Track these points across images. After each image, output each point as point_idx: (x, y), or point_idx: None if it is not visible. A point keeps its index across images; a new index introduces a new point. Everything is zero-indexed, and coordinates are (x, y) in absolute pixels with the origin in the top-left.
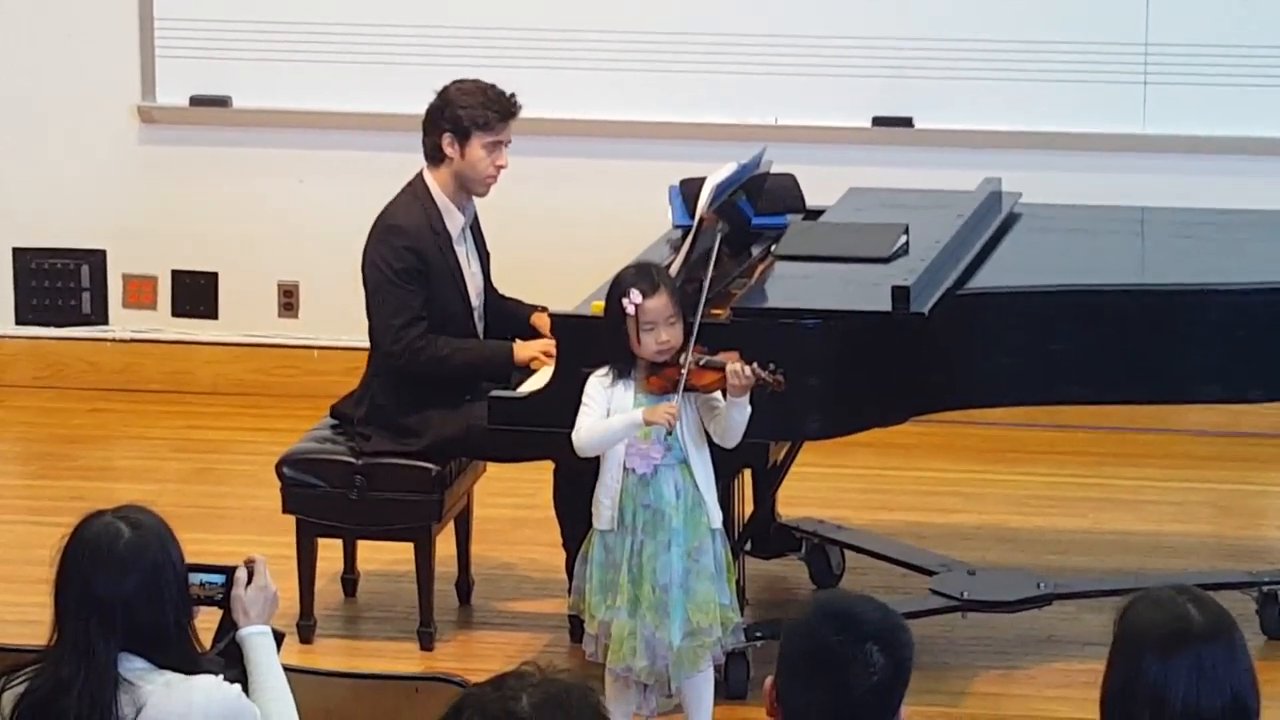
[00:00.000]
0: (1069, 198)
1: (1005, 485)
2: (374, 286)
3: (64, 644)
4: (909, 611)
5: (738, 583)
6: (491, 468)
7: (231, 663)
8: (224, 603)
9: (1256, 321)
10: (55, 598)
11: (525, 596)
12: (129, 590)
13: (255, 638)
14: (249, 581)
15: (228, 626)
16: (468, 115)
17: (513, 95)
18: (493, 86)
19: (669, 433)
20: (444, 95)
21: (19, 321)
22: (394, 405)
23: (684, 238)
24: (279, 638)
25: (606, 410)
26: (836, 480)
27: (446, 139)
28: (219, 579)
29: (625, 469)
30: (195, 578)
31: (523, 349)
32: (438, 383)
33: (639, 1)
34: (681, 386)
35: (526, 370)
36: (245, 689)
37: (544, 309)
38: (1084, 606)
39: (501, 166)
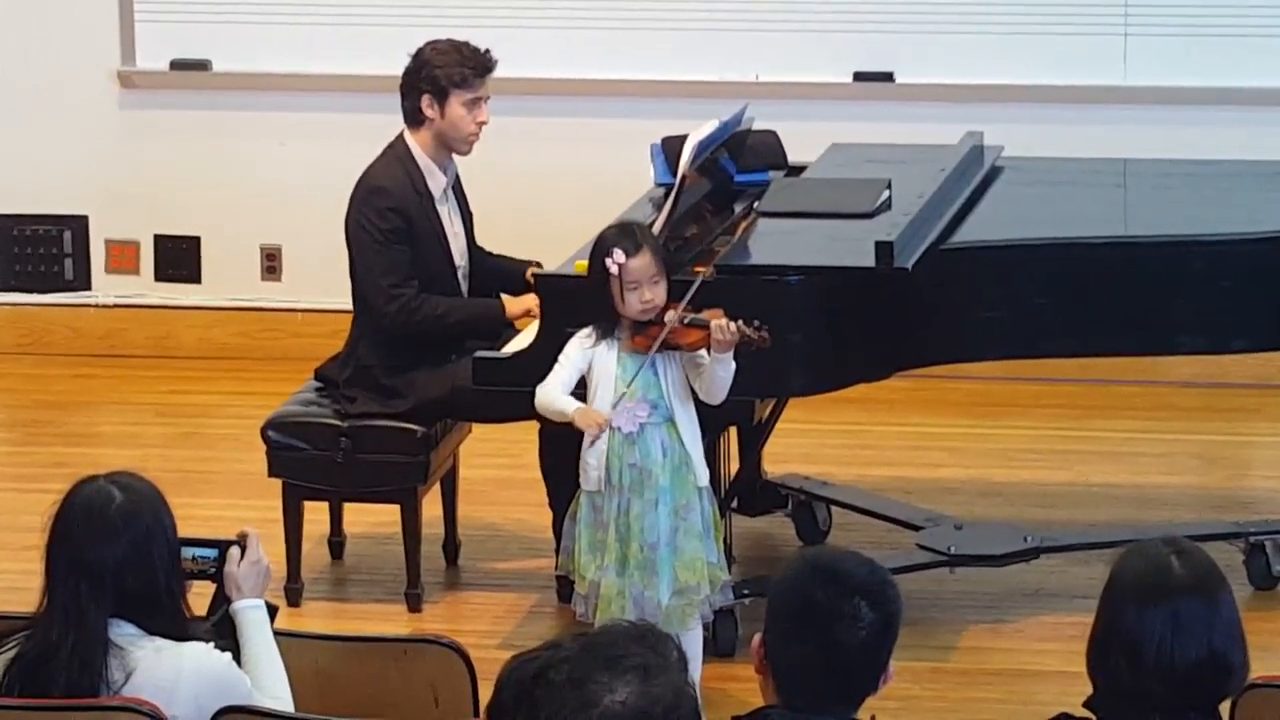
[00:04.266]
0: (1051, 150)
1: (991, 439)
2: (361, 248)
3: (54, 608)
4: (896, 566)
5: (725, 540)
6: (477, 428)
7: (225, 635)
8: (216, 577)
9: (1239, 272)
10: (46, 561)
11: (512, 557)
12: (120, 555)
13: (248, 611)
14: (241, 557)
15: (221, 600)
16: (444, 74)
17: (488, 50)
18: (466, 44)
19: (590, 443)
20: (419, 57)
21: (1, 289)
22: (379, 367)
23: (666, 196)
24: (272, 611)
25: (579, 373)
26: (822, 436)
27: (425, 100)
28: (212, 553)
29: (611, 428)
30: (188, 552)
31: (513, 304)
32: (427, 343)
33: None
34: (658, 344)
35: (515, 327)
36: (238, 661)
37: (538, 264)
38: (1071, 559)
39: (483, 123)
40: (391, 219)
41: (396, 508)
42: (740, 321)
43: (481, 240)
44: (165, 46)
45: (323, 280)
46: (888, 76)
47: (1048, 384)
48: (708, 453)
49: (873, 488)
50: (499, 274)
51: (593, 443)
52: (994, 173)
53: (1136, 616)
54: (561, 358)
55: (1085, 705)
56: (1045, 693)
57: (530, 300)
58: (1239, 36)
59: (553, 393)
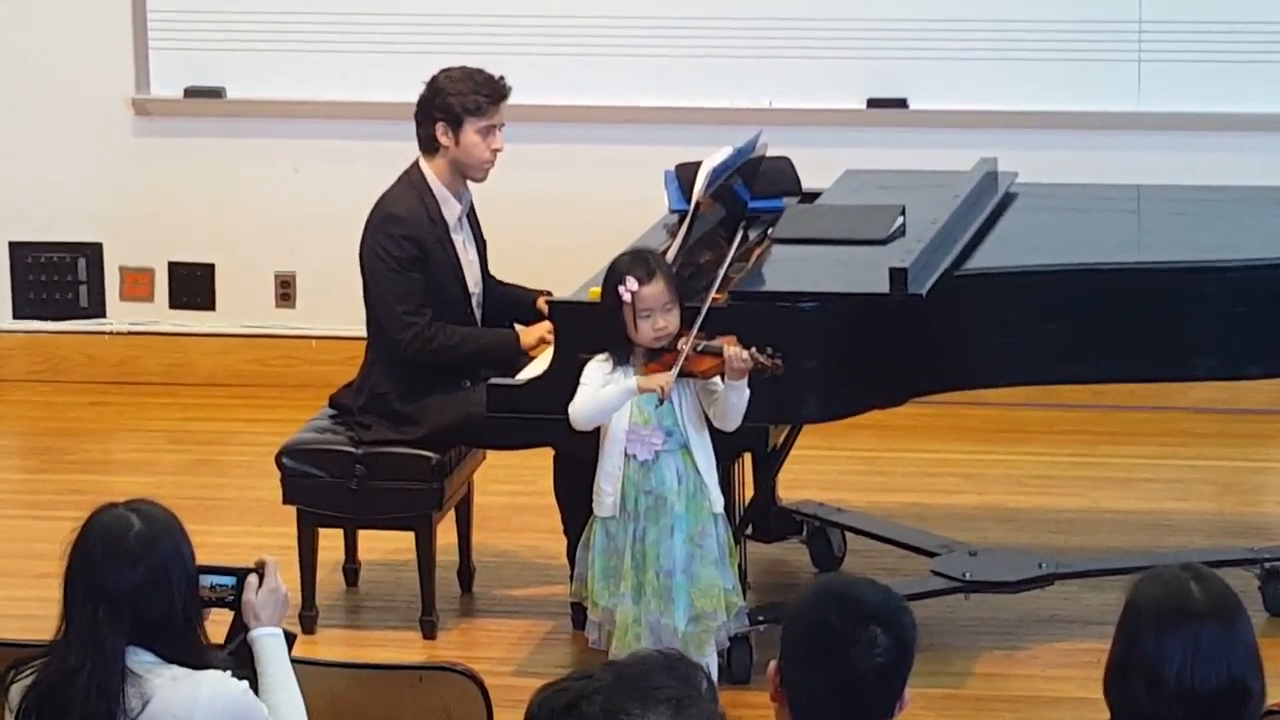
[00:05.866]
0: (1065, 176)
1: (1005, 465)
2: (376, 276)
3: (71, 635)
4: (911, 593)
5: (740, 567)
6: (491, 455)
7: (242, 663)
8: (234, 605)
9: (1253, 298)
10: (64, 588)
11: (527, 584)
12: (138, 582)
13: (266, 639)
14: (260, 585)
15: (239, 628)
16: (458, 102)
17: (501, 78)
18: (480, 71)
19: (660, 402)
20: (433, 84)
21: (16, 315)
22: (393, 394)
23: (680, 222)
24: (290, 639)
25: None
26: (836, 463)
27: (440, 128)
28: (229, 581)
29: (626, 455)
30: (205, 580)
31: (526, 334)
32: (440, 370)
33: None
34: (676, 370)
35: (529, 356)
36: (256, 689)
37: (548, 293)
38: (1086, 586)
39: (497, 150)
40: (406, 246)
41: (411, 534)
42: (753, 349)
43: (495, 267)
44: (180, 73)
45: (337, 307)
46: (901, 103)
47: (1062, 410)
48: (722, 479)
49: (887, 514)
50: (510, 303)
51: (660, 404)
52: (1008, 199)
53: (1156, 642)
54: (584, 378)
55: None
56: (1061, 719)
57: (544, 329)
58: (1253, 63)
59: (592, 394)
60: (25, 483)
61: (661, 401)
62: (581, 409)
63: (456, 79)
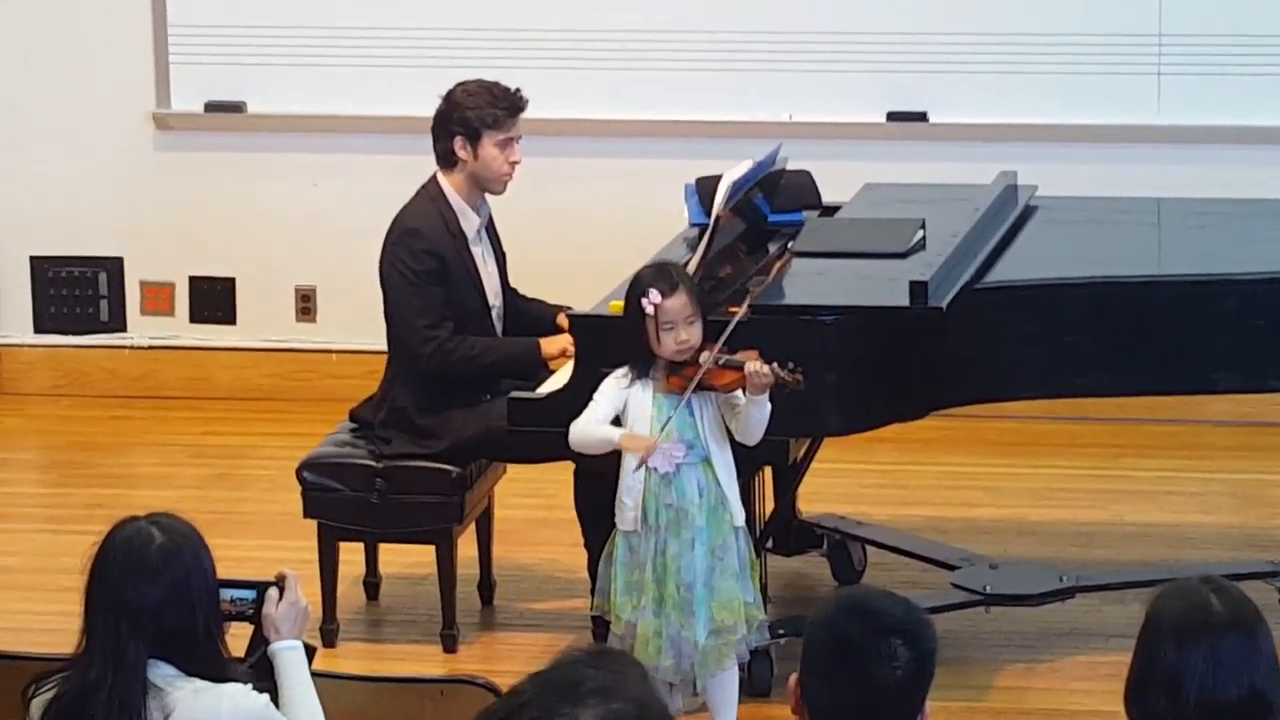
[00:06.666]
0: (1085, 189)
1: (1025, 478)
2: (395, 290)
3: (93, 648)
4: (932, 606)
5: (760, 580)
6: (512, 469)
7: (263, 676)
8: (255, 618)
9: (1274, 310)
10: (85, 602)
11: (547, 597)
12: (160, 595)
13: (286, 652)
14: (280, 598)
15: (259, 641)
16: (476, 116)
17: (518, 90)
18: (497, 84)
19: (637, 467)
20: (450, 98)
21: (37, 330)
22: (414, 408)
23: (701, 236)
24: (310, 652)
25: (615, 410)
26: (857, 476)
27: (458, 142)
28: (250, 595)
29: (647, 468)
30: (226, 593)
31: (549, 344)
32: (462, 383)
33: (653, 1)
34: (693, 385)
35: (550, 367)
36: (276, 702)
37: (568, 309)
38: (1107, 599)
39: (516, 163)
40: (425, 260)
41: (432, 548)
42: (775, 363)
43: (515, 280)
44: (200, 88)
45: (357, 321)
46: (921, 116)
47: (1082, 423)
48: (743, 492)
49: (908, 527)
50: (531, 318)
51: (639, 466)
52: (1028, 212)
53: (1177, 655)
54: (598, 395)
55: None
56: None
57: (566, 340)
58: (1273, 75)
59: (590, 425)
60: (46, 497)
61: (639, 466)
62: (574, 433)
63: (474, 93)
